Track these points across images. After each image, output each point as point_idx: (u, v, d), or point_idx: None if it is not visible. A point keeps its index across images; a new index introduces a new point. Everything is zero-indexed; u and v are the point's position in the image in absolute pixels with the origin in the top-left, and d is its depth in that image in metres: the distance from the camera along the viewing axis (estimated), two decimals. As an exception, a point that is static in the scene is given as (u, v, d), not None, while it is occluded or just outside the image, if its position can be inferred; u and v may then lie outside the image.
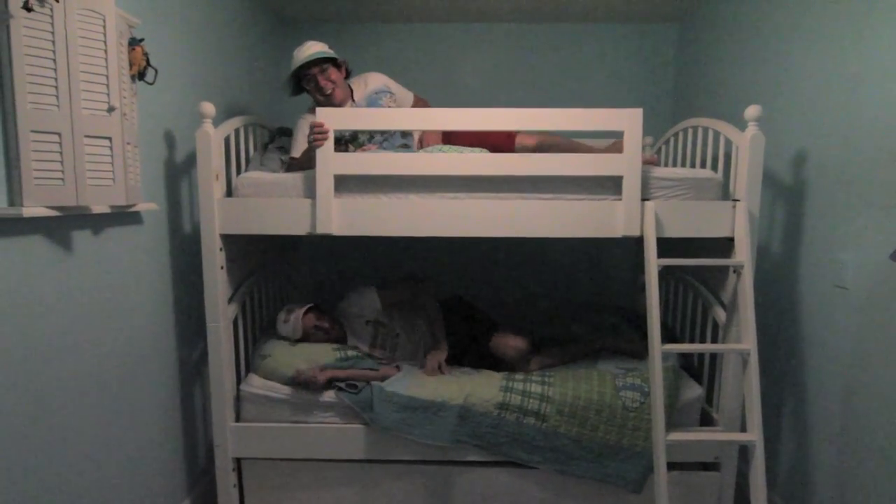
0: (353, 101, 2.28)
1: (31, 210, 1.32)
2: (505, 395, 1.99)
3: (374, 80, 2.32)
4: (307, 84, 2.19)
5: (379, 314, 2.29)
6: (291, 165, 2.13)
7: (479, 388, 2.02)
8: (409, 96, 2.41)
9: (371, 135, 2.25)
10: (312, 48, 2.16)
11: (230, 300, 2.08)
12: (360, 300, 2.31)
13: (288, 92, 2.29)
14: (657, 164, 2.33)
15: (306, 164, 2.01)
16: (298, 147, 2.16)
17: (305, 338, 2.24)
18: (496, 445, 1.99)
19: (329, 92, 2.16)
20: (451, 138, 2.21)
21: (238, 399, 2.12)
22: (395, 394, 2.01)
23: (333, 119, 1.90)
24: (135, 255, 1.82)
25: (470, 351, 2.32)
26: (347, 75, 2.28)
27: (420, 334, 2.36)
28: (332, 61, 2.19)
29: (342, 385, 2.04)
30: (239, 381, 2.16)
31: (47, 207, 1.36)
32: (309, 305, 2.28)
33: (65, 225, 1.50)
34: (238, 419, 2.11)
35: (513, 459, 2.01)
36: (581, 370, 2.12)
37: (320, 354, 2.14)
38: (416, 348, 2.35)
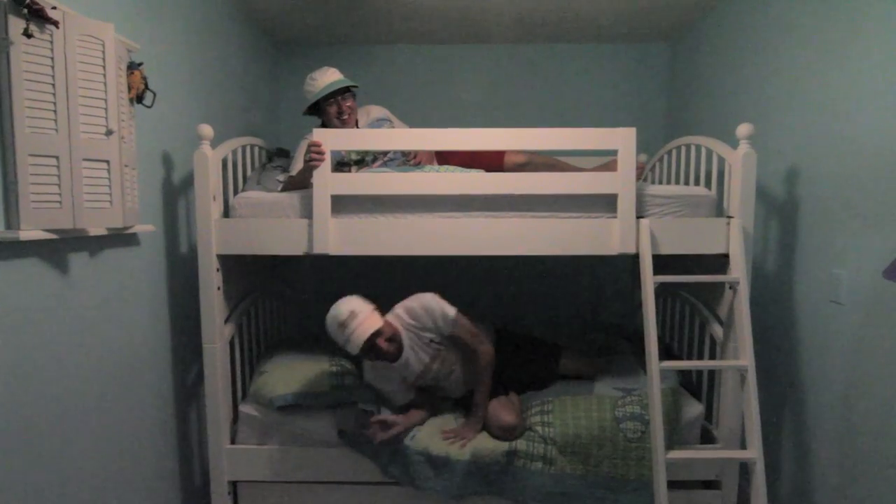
0: (358, 128, 2.35)
1: (29, 233, 1.32)
2: (511, 441, 1.95)
3: (377, 111, 2.41)
4: (329, 107, 2.24)
5: (444, 339, 2.00)
6: (287, 184, 2.15)
7: (486, 440, 1.96)
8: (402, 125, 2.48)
9: (375, 156, 2.29)
10: (336, 75, 2.26)
11: (227, 320, 2.07)
12: (434, 316, 1.95)
13: (304, 111, 2.35)
14: (643, 168, 2.36)
15: (301, 183, 2.03)
16: (297, 167, 2.18)
17: (361, 352, 1.86)
18: (504, 492, 1.95)
19: (346, 117, 2.24)
20: (445, 157, 2.25)
21: (234, 421, 2.10)
22: (405, 445, 1.95)
23: (330, 139, 1.92)
24: (131, 276, 1.82)
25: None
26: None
27: (465, 378, 2.12)
28: (351, 91, 2.29)
29: (350, 433, 1.98)
30: (235, 402, 2.14)
31: (44, 230, 1.36)
32: (382, 322, 1.89)
33: (62, 247, 1.50)
34: (234, 441, 2.09)
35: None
36: (579, 398, 2.07)
37: (317, 379, 2.05)
38: (455, 388, 2.14)
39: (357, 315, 1.83)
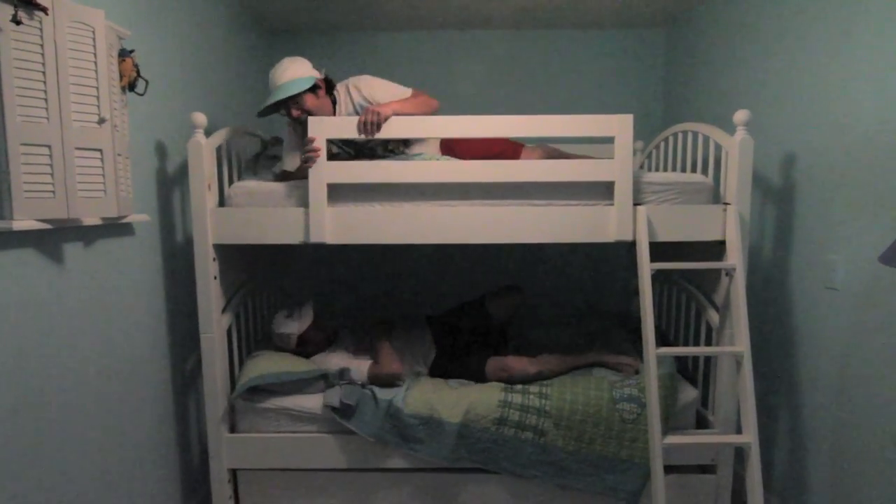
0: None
1: (22, 223, 1.31)
2: (503, 410, 1.97)
3: (356, 93, 2.08)
4: (282, 111, 2.06)
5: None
6: (285, 176, 2.13)
7: (478, 404, 1.99)
8: (396, 97, 2.05)
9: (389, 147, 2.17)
10: (284, 75, 1.98)
11: (224, 310, 2.07)
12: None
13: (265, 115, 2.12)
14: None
15: (297, 176, 2.01)
16: (287, 158, 2.15)
17: (306, 334, 2.24)
18: (495, 461, 1.98)
19: (303, 121, 1.98)
20: (454, 153, 2.11)
21: (233, 410, 2.11)
22: (392, 405, 1.99)
23: (325, 128, 1.90)
24: (127, 266, 1.81)
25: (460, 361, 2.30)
26: (330, 87, 2.09)
27: (422, 349, 2.35)
28: (309, 92, 2.00)
29: (336, 404, 1.99)
30: (234, 390, 2.14)
31: (38, 220, 1.35)
32: (312, 301, 2.34)
33: (56, 238, 1.49)
34: (233, 430, 2.10)
35: (511, 474, 1.99)
36: (578, 377, 2.11)
37: (298, 365, 2.13)
38: (414, 359, 2.33)
39: (294, 306, 2.30)
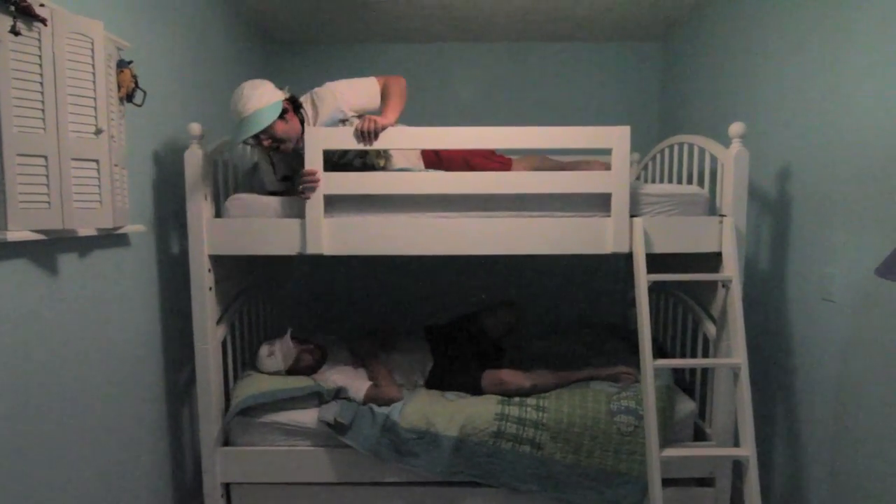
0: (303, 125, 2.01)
1: (16, 234, 1.30)
2: (500, 423, 1.96)
3: (325, 107, 1.99)
4: (250, 140, 1.97)
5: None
6: (274, 192, 2.11)
7: (475, 418, 1.98)
8: (368, 94, 2.03)
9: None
10: (248, 106, 1.85)
11: (219, 321, 2.06)
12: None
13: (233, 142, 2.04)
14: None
15: (290, 193, 2.01)
16: (266, 179, 2.16)
17: (294, 365, 2.21)
18: (493, 475, 1.97)
19: (277, 146, 1.95)
20: (441, 167, 2.12)
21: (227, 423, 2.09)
22: (388, 418, 1.98)
23: (322, 140, 1.90)
24: (122, 277, 1.80)
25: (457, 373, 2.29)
26: (297, 105, 1.99)
27: (418, 361, 2.36)
28: (278, 118, 1.89)
29: (331, 420, 1.98)
30: (228, 403, 2.13)
31: (33, 231, 1.35)
32: (289, 331, 2.28)
33: (51, 248, 1.48)
34: (227, 443, 2.08)
35: (509, 487, 1.98)
36: (576, 390, 2.10)
37: (293, 383, 2.11)
38: (411, 370, 2.33)
39: (274, 342, 2.25)
